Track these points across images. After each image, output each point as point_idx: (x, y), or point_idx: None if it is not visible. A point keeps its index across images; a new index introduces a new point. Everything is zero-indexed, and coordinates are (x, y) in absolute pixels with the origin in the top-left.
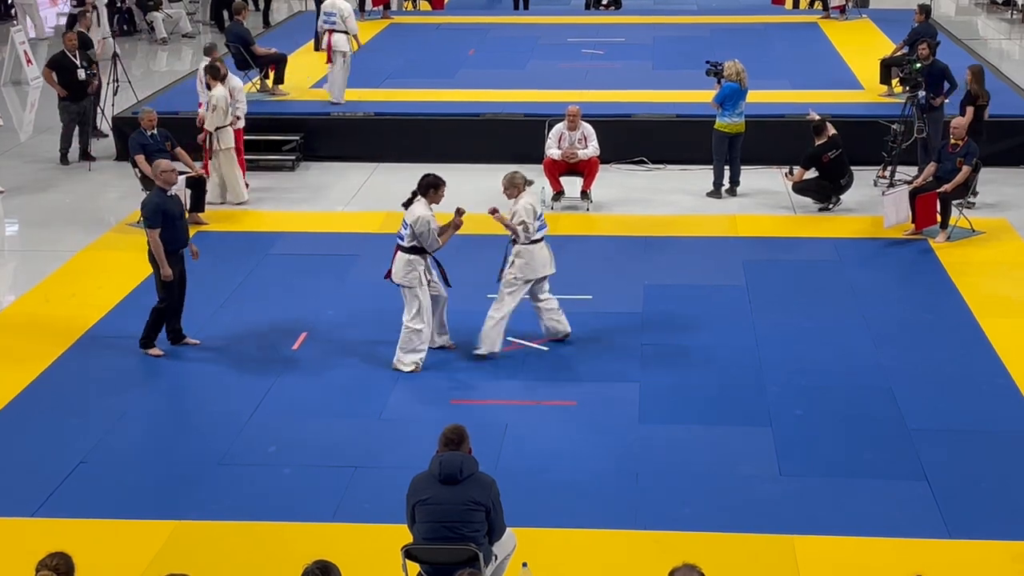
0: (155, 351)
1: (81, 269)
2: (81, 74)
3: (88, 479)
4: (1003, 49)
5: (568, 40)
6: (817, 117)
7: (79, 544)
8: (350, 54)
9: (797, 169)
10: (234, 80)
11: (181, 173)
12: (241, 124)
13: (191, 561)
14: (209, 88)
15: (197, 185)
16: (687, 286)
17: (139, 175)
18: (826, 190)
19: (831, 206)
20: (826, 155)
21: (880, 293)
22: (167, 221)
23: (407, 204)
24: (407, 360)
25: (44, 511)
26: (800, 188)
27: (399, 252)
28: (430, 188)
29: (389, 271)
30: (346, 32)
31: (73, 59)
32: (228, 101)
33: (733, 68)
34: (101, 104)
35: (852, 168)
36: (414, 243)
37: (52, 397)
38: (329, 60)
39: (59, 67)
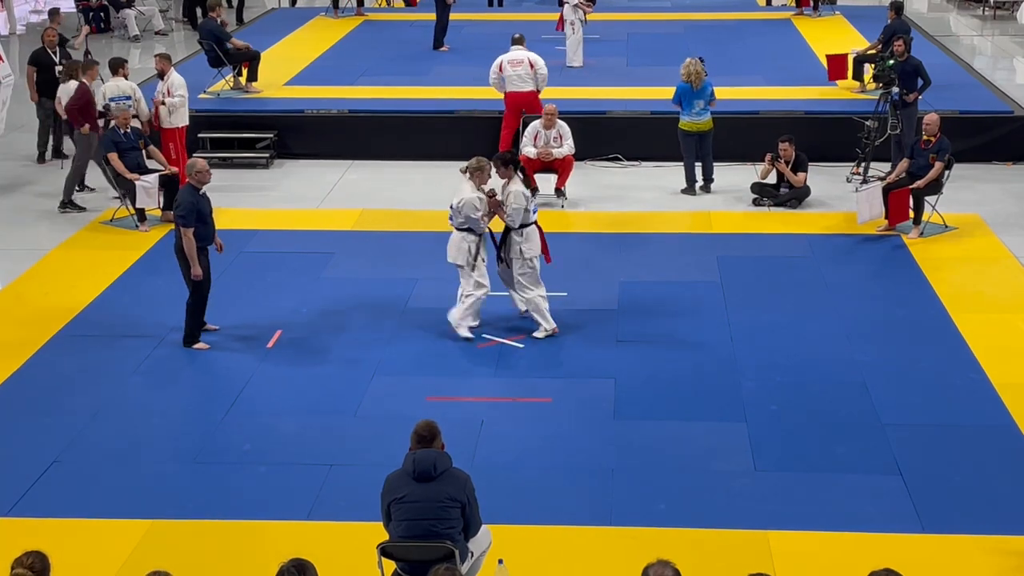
0: (200, 345)
1: (54, 267)
2: (58, 70)
3: (62, 478)
4: (975, 45)
5: (542, 37)
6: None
7: (53, 543)
8: (578, 23)
9: (763, 167)
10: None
11: (153, 171)
12: None
13: (166, 560)
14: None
15: (170, 183)
16: (662, 282)
17: (112, 173)
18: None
19: (765, 201)
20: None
21: (854, 289)
22: (200, 219)
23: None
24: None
25: (17, 510)
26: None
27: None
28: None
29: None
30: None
31: (52, 55)
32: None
33: (684, 68)
34: None
35: (825, 164)
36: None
37: (25, 396)
38: (560, 28)
39: (39, 64)
